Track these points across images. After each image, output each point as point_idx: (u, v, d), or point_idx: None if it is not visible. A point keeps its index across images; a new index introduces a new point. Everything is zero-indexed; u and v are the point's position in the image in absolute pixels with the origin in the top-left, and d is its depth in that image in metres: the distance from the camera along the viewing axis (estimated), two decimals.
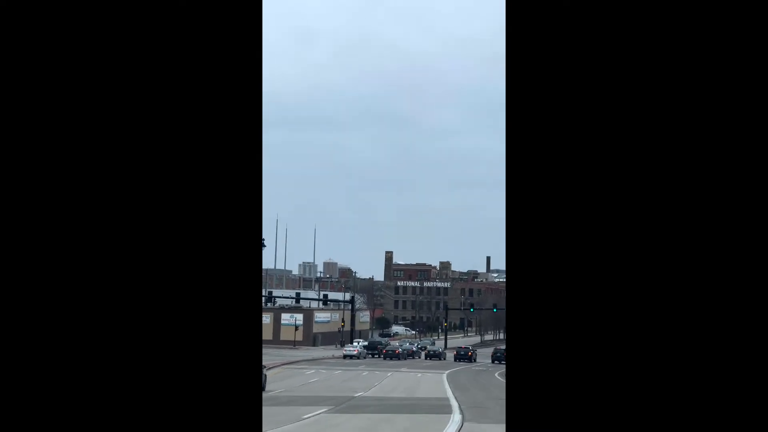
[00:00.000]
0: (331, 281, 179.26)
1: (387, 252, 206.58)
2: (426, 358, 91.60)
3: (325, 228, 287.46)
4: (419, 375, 60.00)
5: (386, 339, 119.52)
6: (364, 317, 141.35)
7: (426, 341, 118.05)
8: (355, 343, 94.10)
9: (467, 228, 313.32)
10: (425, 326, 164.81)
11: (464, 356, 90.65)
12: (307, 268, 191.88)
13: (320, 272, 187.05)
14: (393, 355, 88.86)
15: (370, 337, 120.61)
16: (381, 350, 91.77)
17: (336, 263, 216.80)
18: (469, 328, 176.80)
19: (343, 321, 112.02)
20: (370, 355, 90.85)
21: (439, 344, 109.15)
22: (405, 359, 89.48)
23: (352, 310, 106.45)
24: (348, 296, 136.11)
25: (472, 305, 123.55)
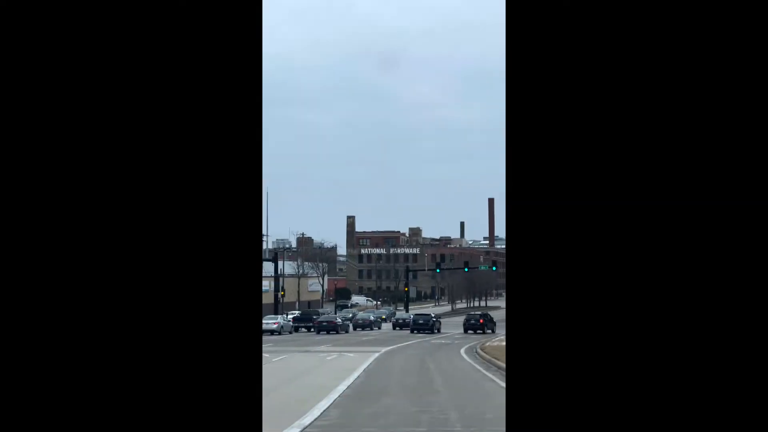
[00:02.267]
0: (290, 252, 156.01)
1: (349, 217, 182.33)
2: (394, 328, 73.81)
3: (299, 205, 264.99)
4: (330, 358, 35.22)
5: (344, 310, 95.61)
6: (314, 286, 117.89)
7: (383, 311, 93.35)
8: (277, 316, 69.14)
9: (442, 197, 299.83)
10: (390, 296, 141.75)
11: (423, 326, 66.64)
12: (280, 244, 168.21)
13: (293, 247, 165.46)
14: (329, 328, 64.82)
15: (321, 308, 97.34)
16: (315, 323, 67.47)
17: (311, 238, 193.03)
18: (442, 298, 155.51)
19: (283, 290, 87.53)
20: (304, 329, 68.93)
21: (402, 314, 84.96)
22: (344, 332, 66.13)
23: (276, 272, 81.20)
24: (298, 263, 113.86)
25: (438, 265, 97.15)
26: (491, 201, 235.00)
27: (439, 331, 67.72)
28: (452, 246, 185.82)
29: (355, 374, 25.42)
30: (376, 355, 36.22)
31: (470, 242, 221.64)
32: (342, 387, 21.24)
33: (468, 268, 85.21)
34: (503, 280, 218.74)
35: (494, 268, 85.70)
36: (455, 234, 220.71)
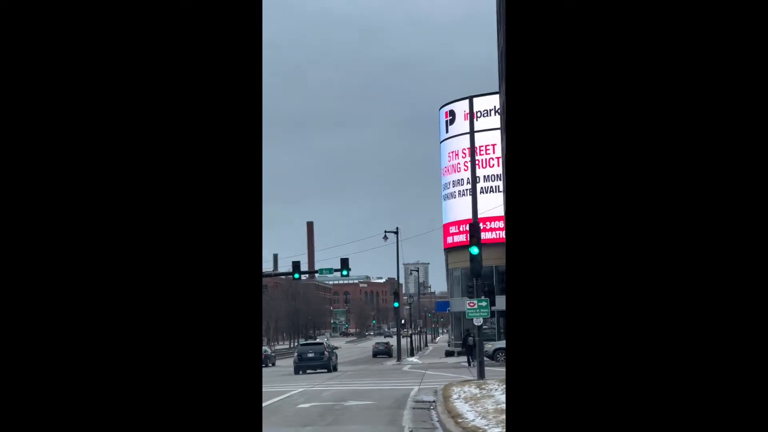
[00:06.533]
0: None
1: None
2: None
3: None
4: None
5: None
6: None
7: None
8: None
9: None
10: None
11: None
12: None
13: None
14: None
15: None
16: None
17: None
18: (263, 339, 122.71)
19: None
20: None
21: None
22: None
23: None
24: None
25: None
26: (310, 225, 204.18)
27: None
28: (267, 278, 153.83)
29: None
30: None
31: (284, 276, 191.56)
32: None
33: (299, 274, 52.86)
34: (334, 319, 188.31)
35: (344, 272, 53.64)
36: (268, 267, 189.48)
